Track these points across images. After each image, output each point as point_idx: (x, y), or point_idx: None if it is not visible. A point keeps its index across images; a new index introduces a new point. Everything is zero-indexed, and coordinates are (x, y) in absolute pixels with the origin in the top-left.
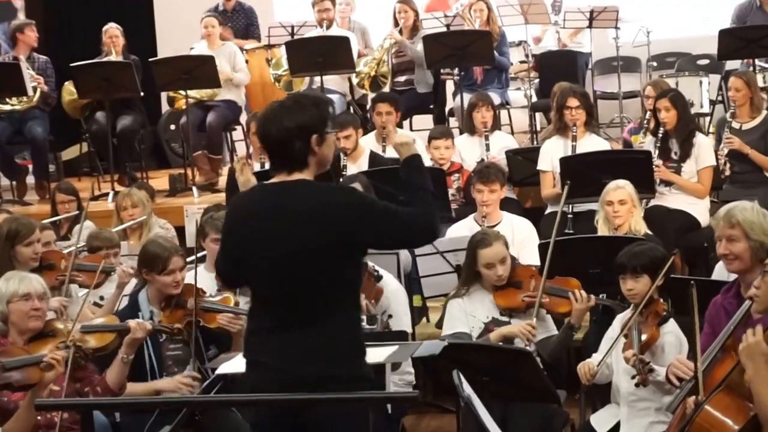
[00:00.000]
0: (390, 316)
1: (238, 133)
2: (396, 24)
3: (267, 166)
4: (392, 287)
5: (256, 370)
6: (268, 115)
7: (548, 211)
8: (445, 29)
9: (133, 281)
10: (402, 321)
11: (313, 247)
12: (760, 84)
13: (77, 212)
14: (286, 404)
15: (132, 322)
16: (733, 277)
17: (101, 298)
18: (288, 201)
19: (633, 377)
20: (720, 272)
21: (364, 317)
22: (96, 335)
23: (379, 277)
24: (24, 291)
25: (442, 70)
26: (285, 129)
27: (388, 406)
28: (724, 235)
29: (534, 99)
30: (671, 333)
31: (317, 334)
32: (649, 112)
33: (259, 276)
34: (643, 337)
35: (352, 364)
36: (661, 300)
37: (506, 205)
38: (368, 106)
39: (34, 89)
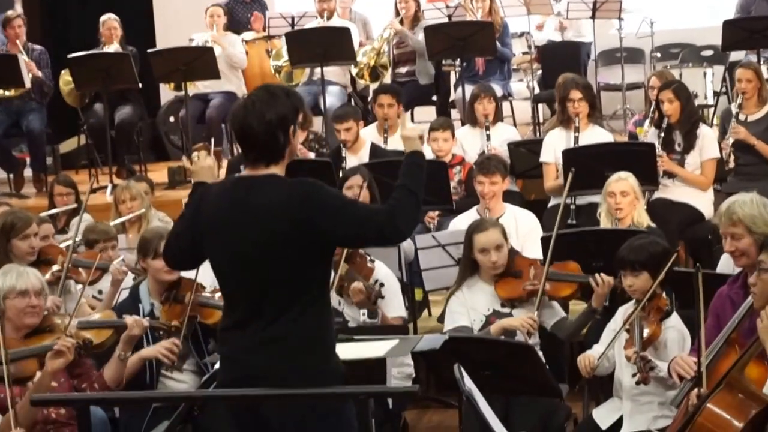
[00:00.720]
0: (382, 285)
1: None
2: (397, 14)
3: None
4: (383, 272)
5: (223, 364)
6: (246, 109)
7: (551, 203)
8: (446, 20)
9: (130, 277)
10: (395, 298)
11: (274, 241)
12: (765, 75)
13: (75, 205)
14: (274, 401)
15: (129, 319)
16: (738, 268)
17: (99, 292)
18: (253, 196)
19: (634, 375)
20: (724, 265)
21: (365, 311)
22: (93, 331)
23: (372, 260)
24: (21, 287)
25: (443, 61)
26: (267, 122)
27: (389, 400)
28: (727, 233)
29: (537, 90)
30: (673, 328)
31: (279, 328)
32: (654, 103)
33: (224, 271)
34: (645, 333)
35: (314, 358)
36: (664, 295)
37: (509, 197)
38: (369, 98)
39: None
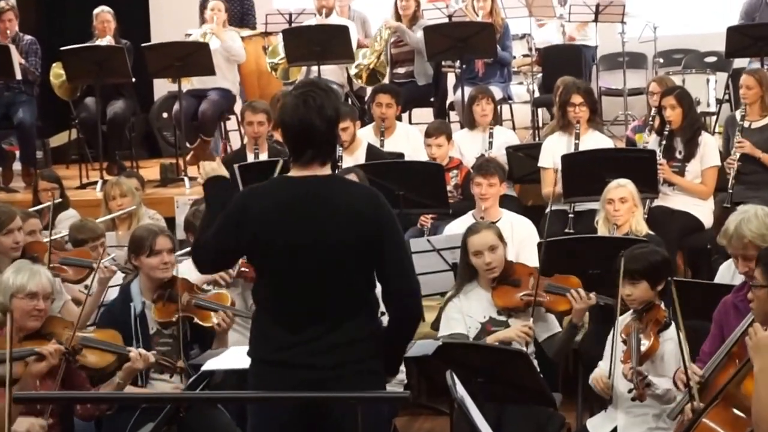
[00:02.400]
0: None
1: (232, 123)
2: (396, 12)
3: (261, 157)
4: None
5: (277, 368)
6: (306, 105)
7: (549, 209)
8: (446, 20)
9: (119, 275)
10: None
11: (346, 245)
12: None
13: (60, 200)
14: (289, 402)
15: (134, 353)
16: (738, 279)
17: (86, 287)
18: (328, 197)
19: (630, 390)
20: (723, 275)
21: None
22: (96, 353)
23: None
24: (32, 289)
25: (443, 63)
26: (329, 119)
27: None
28: (738, 254)
29: (537, 94)
30: (671, 340)
31: (344, 332)
32: (654, 110)
33: (283, 272)
34: (643, 347)
35: (373, 360)
36: (662, 306)
37: (506, 202)
38: (366, 98)
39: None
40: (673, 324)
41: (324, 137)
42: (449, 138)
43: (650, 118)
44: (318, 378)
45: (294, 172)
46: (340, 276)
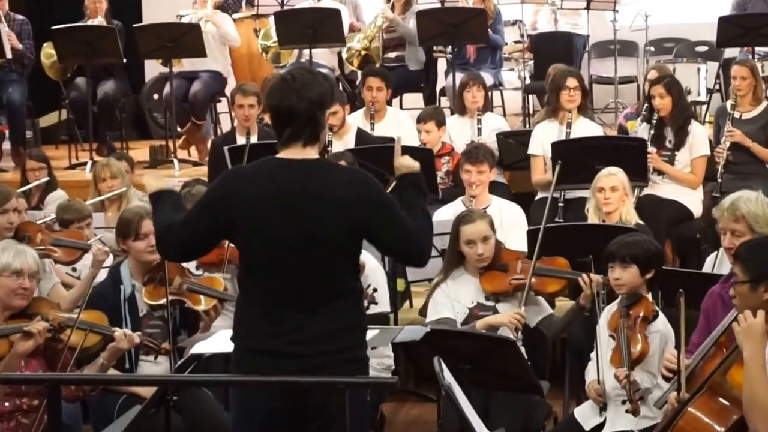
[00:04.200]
0: (375, 290)
1: (222, 105)
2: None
3: (251, 140)
4: (372, 264)
5: (259, 356)
6: (286, 84)
7: (538, 196)
8: (438, 5)
9: (110, 258)
10: (384, 297)
11: (329, 233)
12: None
13: (47, 178)
14: (274, 386)
15: (118, 332)
16: (725, 269)
17: (74, 269)
18: (311, 184)
19: (624, 402)
20: (709, 266)
21: None
22: (81, 333)
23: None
24: (17, 267)
25: (434, 48)
26: (308, 100)
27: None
28: (728, 228)
29: (528, 81)
30: (657, 333)
31: (332, 318)
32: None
33: (265, 258)
34: (633, 351)
35: (360, 348)
36: (650, 298)
37: (495, 189)
38: (357, 82)
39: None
40: (661, 314)
41: (303, 117)
42: (441, 124)
43: (644, 107)
44: (300, 367)
45: (280, 155)
46: (323, 265)
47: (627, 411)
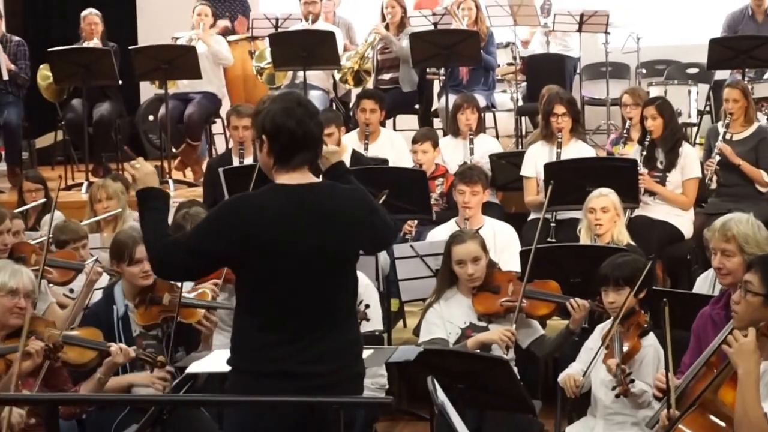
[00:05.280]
0: (367, 306)
1: (217, 127)
2: (383, 19)
3: (246, 161)
4: (364, 281)
5: (272, 380)
6: (307, 110)
7: (531, 217)
8: (432, 27)
9: (105, 277)
10: (376, 314)
11: (349, 250)
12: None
13: (44, 200)
14: (269, 405)
15: (114, 347)
16: (716, 290)
17: (71, 290)
18: (327, 204)
19: (613, 388)
20: (701, 285)
21: None
22: (77, 349)
23: None
24: (13, 286)
25: (427, 70)
26: (320, 126)
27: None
28: (718, 248)
29: (520, 102)
30: (651, 347)
31: (341, 335)
32: (628, 122)
33: (283, 281)
34: (625, 347)
35: (361, 362)
36: (643, 312)
37: (488, 209)
38: (351, 104)
39: None
40: (652, 333)
41: (317, 143)
42: (436, 145)
43: (624, 131)
44: (317, 385)
45: (283, 180)
46: (337, 281)
47: (617, 395)
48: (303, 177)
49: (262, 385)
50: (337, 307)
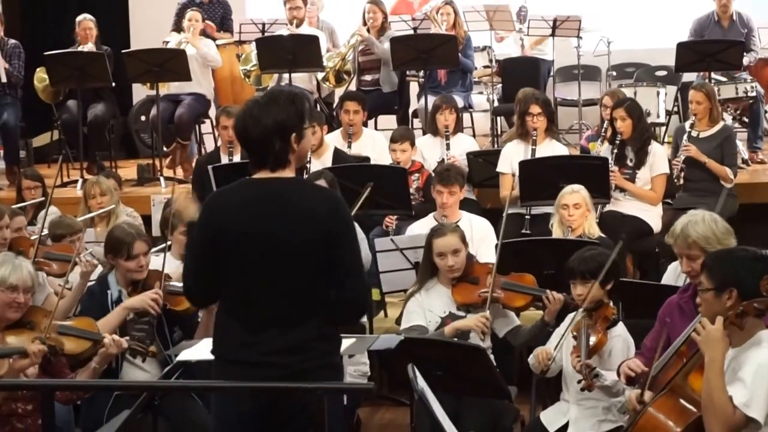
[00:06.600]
0: None
1: (206, 126)
2: (365, 24)
3: (235, 159)
4: None
5: (237, 366)
6: (245, 113)
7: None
8: (412, 32)
9: (98, 269)
10: None
11: (308, 246)
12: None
13: (42, 198)
14: (255, 392)
15: (107, 339)
16: (683, 280)
17: (66, 282)
18: (287, 199)
19: (579, 381)
20: (669, 276)
21: None
22: (72, 339)
23: None
24: (13, 282)
25: (407, 72)
26: (264, 127)
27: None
28: (683, 254)
29: (496, 103)
30: (619, 337)
31: (306, 330)
32: (606, 122)
33: (246, 274)
34: (592, 341)
35: (335, 355)
36: (611, 304)
37: (465, 205)
38: (335, 104)
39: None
40: (621, 323)
41: (262, 146)
42: (413, 144)
43: (603, 129)
44: (279, 375)
45: (258, 174)
46: (297, 274)
47: (582, 389)
48: (271, 173)
49: (233, 372)
50: (296, 302)
